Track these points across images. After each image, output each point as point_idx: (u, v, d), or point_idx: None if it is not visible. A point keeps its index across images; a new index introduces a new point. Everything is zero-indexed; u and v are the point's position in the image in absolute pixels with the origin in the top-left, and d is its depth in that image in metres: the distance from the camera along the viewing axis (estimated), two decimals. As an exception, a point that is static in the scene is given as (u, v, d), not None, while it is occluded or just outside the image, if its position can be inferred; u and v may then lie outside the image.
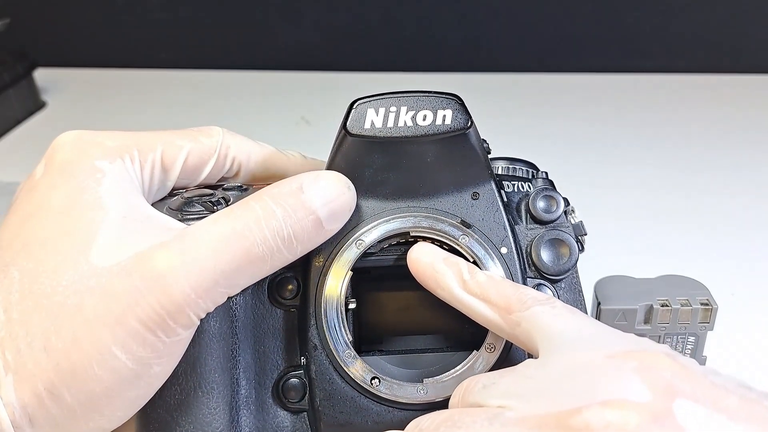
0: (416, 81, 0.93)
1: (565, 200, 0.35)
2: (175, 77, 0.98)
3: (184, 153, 0.33)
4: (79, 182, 0.30)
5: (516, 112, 0.85)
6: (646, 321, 0.38)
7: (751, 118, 0.82)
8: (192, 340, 0.30)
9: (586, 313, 0.34)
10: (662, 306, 0.38)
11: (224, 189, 0.34)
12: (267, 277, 0.33)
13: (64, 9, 0.99)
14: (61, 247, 0.29)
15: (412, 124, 0.31)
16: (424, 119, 0.31)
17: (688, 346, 0.38)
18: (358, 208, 0.33)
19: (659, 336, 0.38)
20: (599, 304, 0.38)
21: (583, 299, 0.35)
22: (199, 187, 0.34)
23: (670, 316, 0.37)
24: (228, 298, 0.30)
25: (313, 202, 0.30)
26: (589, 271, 0.35)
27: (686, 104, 0.86)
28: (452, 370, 0.32)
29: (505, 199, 0.34)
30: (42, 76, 0.90)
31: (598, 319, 0.38)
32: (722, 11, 0.91)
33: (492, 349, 0.32)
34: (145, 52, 1.00)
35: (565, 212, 0.35)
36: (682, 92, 0.89)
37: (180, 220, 0.31)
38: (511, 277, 0.33)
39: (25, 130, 0.85)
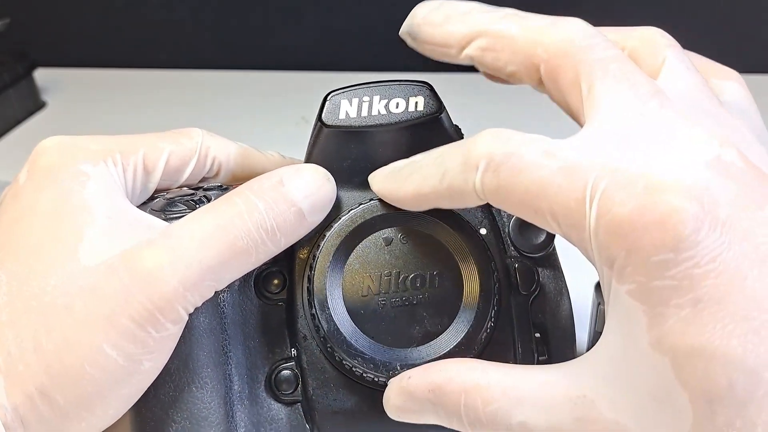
0: (416, 81, 0.93)
1: None
2: (175, 77, 0.98)
3: (166, 155, 0.34)
4: (64, 186, 0.30)
5: (516, 112, 0.85)
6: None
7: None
8: (183, 336, 0.31)
9: (568, 293, 0.34)
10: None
11: (205, 189, 0.35)
12: (253, 273, 0.34)
13: (64, 9, 0.99)
14: (49, 250, 0.29)
15: (385, 113, 0.32)
16: (396, 107, 0.32)
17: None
18: (337, 198, 0.33)
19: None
20: (599, 304, 0.38)
21: (564, 278, 0.35)
22: (180, 187, 0.35)
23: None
24: (216, 293, 0.30)
25: (294, 194, 0.31)
26: (590, 271, 0.35)
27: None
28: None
29: None
30: (42, 76, 0.90)
31: (597, 321, 0.38)
32: (722, 11, 0.92)
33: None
34: (145, 52, 1.00)
35: None
36: (682, 92, 0.89)
37: (164, 220, 0.31)
38: (491, 257, 0.33)
39: (25, 130, 0.85)
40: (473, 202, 0.28)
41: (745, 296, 0.22)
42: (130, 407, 0.30)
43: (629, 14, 0.94)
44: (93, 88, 0.96)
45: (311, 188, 0.31)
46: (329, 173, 0.32)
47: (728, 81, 0.31)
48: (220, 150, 0.36)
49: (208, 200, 0.33)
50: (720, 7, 0.91)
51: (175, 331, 0.29)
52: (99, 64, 1.00)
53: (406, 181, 0.31)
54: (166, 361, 0.30)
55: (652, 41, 0.31)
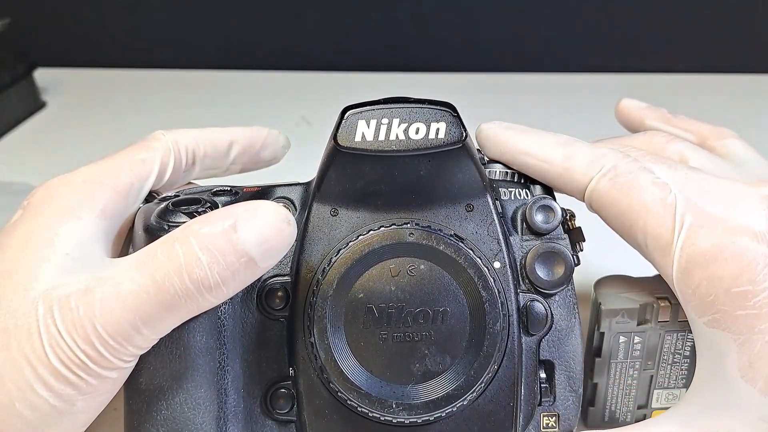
0: (416, 81, 0.94)
1: (565, 210, 0.34)
2: (175, 77, 0.98)
3: (149, 164, 0.35)
4: (39, 221, 0.31)
5: (516, 112, 0.85)
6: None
7: (751, 118, 0.82)
8: (178, 355, 0.31)
9: (579, 330, 0.34)
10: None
11: (213, 194, 0.34)
12: (255, 286, 0.33)
13: (64, 9, 0.99)
14: (5, 283, 0.29)
15: (404, 138, 0.31)
16: (416, 132, 0.31)
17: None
18: (346, 221, 0.32)
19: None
20: (599, 303, 0.38)
21: (578, 314, 0.34)
22: (189, 192, 0.35)
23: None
24: (218, 307, 0.30)
25: (246, 242, 0.28)
26: (589, 270, 0.35)
27: (686, 104, 0.86)
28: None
29: (500, 210, 0.34)
30: (42, 76, 0.90)
31: (598, 320, 0.38)
32: (722, 11, 0.92)
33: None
34: (145, 52, 1.00)
35: (564, 221, 0.34)
36: (682, 92, 0.89)
37: (165, 229, 0.31)
38: (502, 296, 0.32)
39: (25, 130, 0.85)
40: (575, 193, 0.33)
41: None
42: None
43: (631, 16, 0.94)
44: (93, 88, 0.96)
45: (268, 233, 0.28)
46: (290, 216, 0.29)
47: (726, 139, 0.37)
48: (188, 139, 0.36)
49: (213, 207, 0.32)
50: (720, 7, 0.91)
51: (114, 375, 0.29)
52: (99, 64, 1.00)
53: (530, 136, 0.34)
54: (107, 400, 0.30)
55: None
